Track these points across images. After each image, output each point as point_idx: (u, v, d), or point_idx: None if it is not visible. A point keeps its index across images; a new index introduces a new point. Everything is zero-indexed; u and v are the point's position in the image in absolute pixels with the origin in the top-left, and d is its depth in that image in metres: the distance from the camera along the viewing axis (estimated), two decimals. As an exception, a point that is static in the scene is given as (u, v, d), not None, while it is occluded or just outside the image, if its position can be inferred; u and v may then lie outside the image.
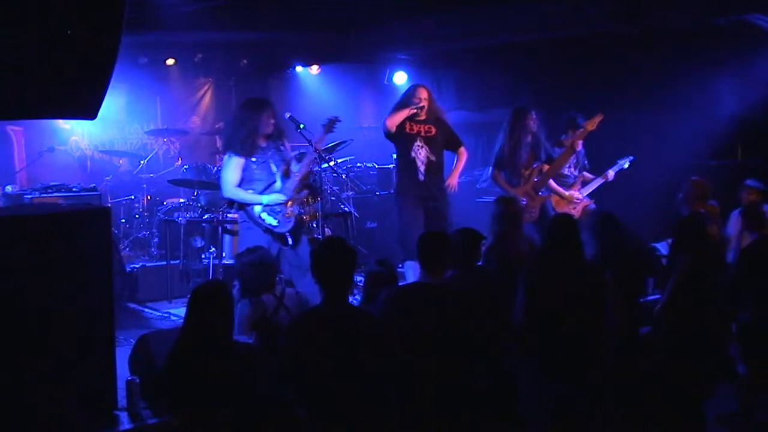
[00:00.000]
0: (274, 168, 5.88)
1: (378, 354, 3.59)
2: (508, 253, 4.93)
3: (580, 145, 7.14)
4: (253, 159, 5.80)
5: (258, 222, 5.76)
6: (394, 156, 6.93)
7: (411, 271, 6.31)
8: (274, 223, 5.77)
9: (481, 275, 4.67)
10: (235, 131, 5.82)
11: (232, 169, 5.76)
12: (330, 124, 6.03)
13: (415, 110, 6.57)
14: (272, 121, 5.82)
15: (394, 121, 6.57)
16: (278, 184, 5.86)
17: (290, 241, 5.82)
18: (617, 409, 4.21)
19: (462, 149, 6.86)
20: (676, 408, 4.42)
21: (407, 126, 6.61)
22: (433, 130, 6.67)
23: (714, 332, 4.69)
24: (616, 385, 4.22)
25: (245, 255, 4.92)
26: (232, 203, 6.00)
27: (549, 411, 4.03)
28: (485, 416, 4.04)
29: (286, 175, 5.88)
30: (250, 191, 5.80)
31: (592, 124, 6.99)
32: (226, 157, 5.86)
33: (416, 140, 6.60)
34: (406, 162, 6.63)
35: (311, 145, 5.99)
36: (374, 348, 3.58)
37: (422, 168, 6.57)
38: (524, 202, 6.75)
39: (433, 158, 6.62)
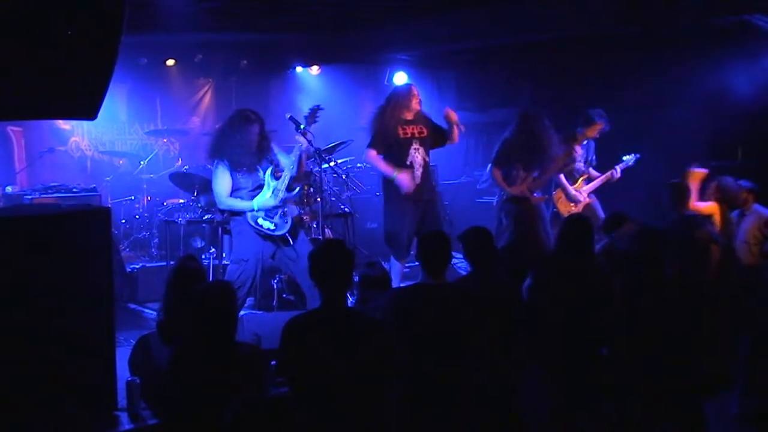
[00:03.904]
0: (261, 173, 5.78)
1: (377, 356, 3.59)
2: (524, 253, 4.87)
3: (578, 150, 7.14)
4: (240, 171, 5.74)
5: (257, 228, 5.70)
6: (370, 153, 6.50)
7: (394, 270, 6.40)
8: (272, 227, 5.70)
9: (495, 275, 4.62)
10: (224, 140, 5.76)
11: (221, 179, 5.71)
12: (312, 115, 5.86)
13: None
14: (257, 131, 5.70)
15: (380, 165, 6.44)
16: (267, 189, 5.73)
17: (291, 241, 5.77)
18: (618, 410, 4.21)
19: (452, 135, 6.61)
20: (675, 409, 4.41)
21: (401, 131, 6.43)
22: (425, 131, 6.52)
23: (711, 335, 4.67)
24: (617, 386, 4.22)
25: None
26: (230, 213, 5.88)
27: (550, 412, 4.03)
28: (486, 417, 4.04)
29: (275, 175, 5.77)
30: (238, 199, 5.75)
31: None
32: (214, 166, 5.77)
33: (412, 144, 6.44)
34: (401, 167, 6.42)
35: (311, 144, 5.97)
36: (372, 350, 3.58)
37: (419, 172, 6.44)
38: None
39: (427, 159, 6.53)
